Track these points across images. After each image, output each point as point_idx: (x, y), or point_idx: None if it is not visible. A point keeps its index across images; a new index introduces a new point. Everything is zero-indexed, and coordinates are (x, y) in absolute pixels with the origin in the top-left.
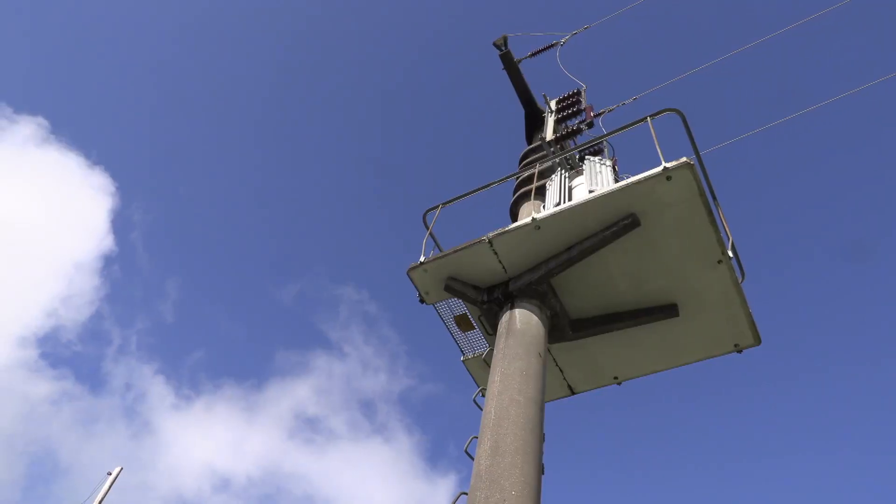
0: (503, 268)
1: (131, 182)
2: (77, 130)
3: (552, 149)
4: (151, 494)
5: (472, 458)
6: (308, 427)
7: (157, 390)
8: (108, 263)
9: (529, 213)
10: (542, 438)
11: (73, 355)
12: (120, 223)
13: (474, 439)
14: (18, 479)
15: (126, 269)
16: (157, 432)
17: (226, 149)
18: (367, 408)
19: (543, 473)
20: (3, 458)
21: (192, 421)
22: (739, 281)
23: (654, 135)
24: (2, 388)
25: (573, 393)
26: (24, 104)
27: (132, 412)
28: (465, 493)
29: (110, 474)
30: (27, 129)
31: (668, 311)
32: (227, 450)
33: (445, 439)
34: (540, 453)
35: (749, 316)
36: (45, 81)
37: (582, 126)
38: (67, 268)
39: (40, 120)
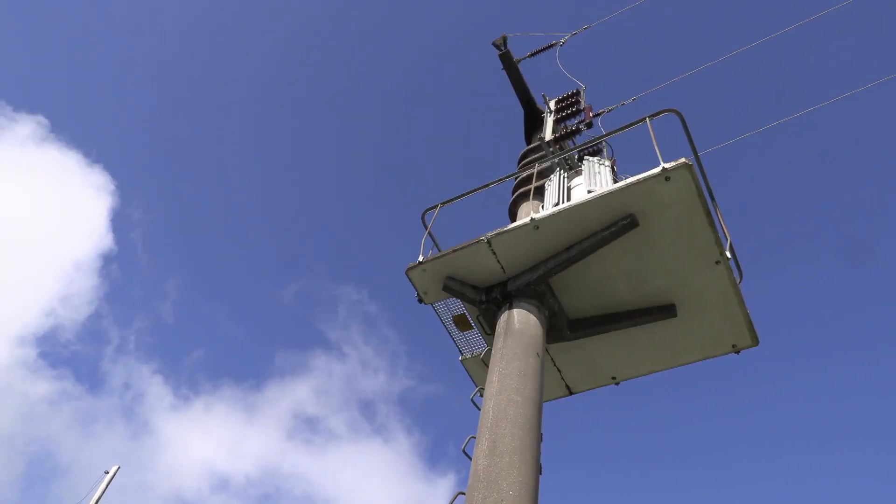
0: (501, 268)
1: (131, 181)
2: (76, 129)
3: (551, 149)
4: (150, 494)
5: (470, 458)
6: (307, 427)
7: (156, 390)
8: (108, 263)
9: (528, 214)
10: (539, 438)
11: (71, 355)
12: (119, 222)
13: (472, 439)
14: (17, 479)
15: (125, 269)
16: (155, 432)
17: (226, 148)
18: (367, 408)
19: (541, 473)
20: (3, 458)
21: (191, 421)
22: (737, 281)
23: (652, 135)
24: (1, 387)
25: (571, 393)
26: (23, 102)
27: (131, 412)
28: (463, 493)
29: (107, 473)
30: (26, 127)
31: (666, 311)
32: (226, 450)
33: (445, 439)
34: (538, 453)
35: (747, 316)
36: (44, 79)
37: (581, 126)
38: (66, 267)
39: (40, 118)
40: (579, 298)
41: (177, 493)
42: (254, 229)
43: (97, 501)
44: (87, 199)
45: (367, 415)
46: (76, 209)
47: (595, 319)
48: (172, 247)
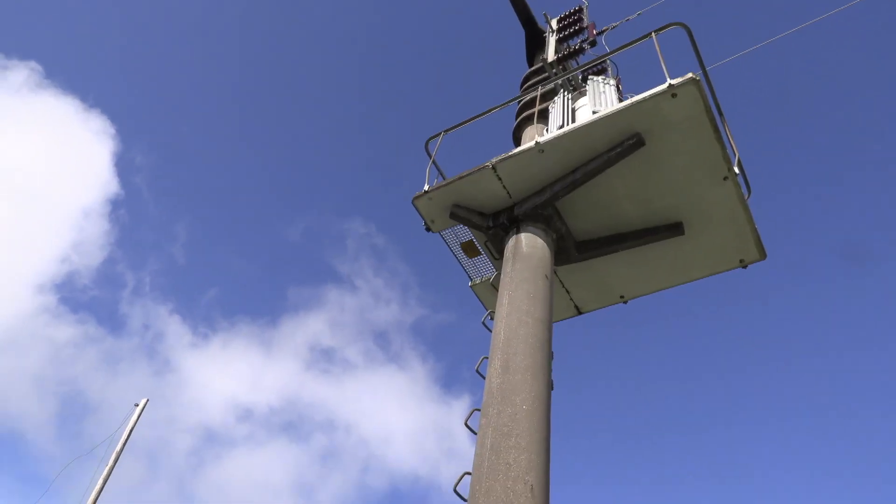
0: (508, 193)
1: (130, 124)
2: (71, 73)
3: (554, 70)
4: (179, 427)
5: (484, 378)
6: (324, 358)
7: (175, 329)
8: (115, 208)
9: (533, 137)
10: (550, 356)
11: (90, 300)
12: (123, 166)
13: (485, 359)
14: (52, 418)
15: (133, 213)
16: (178, 369)
17: (224, 85)
18: (381, 338)
19: (553, 389)
20: (36, 399)
21: (211, 357)
22: (746, 197)
23: (658, 51)
24: (27, 333)
25: (580, 313)
26: (14, 48)
27: (152, 351)
28: (479, 410)
29: (137, 406)
30: (20, 74)
31: (673, 229)
32: (248, 383)
33: (458, 364)
34: (549, 370)
35: (755, 231)
36: (35, 23)
37: (584, 45)
38: (75, 214)
39: (33, 64)
40: (586, 220)
41: (204, 425)
42: (257, 167)
43: (130, 432)
44: (88, 145)
45: (382, 344)
46: (78, 155)
47: (602, 240)
48: (177, 189)
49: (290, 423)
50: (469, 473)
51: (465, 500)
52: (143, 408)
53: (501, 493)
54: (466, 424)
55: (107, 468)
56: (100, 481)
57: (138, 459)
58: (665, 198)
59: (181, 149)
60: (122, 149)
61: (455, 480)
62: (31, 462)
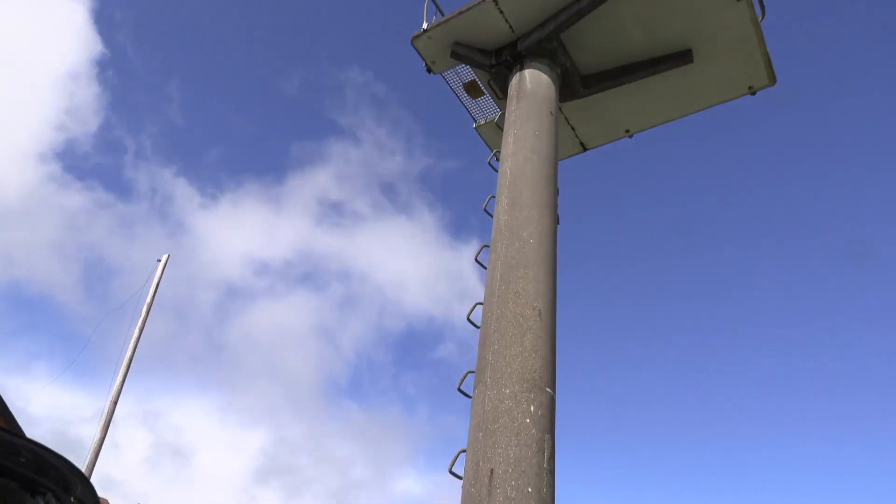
0: (510, 27)
1: None
2: None
3: None
4: (200, 284)
5: (492, 216)
6: (334, 212)
7: (182, 192)
8: (103, 69)
9: None
10: (556, 193)
11: (94, 166)
12: (103, 24)
13: (492, 198)
14: (79, 282)
15: (121, 74)
16: (191, 230)
17: None
18: (388, 189)
19: (559, 223)
20: (60, 266)
21: (222, 217)
22: (759, 19)
23: None
24: (38, 203)
25: (585, 149)
26: None
27: (164, 214)
28: (487, 246)
29: (160, 261)
30: None
31: (682, 57)
32: (261, 239)
33: (466, 210)
34: (555, 206)
35: (766, 55)
36: None
37: None
38: (63, 78)
39: None
40: (592, 52)
41: (225, 281)
42: (244, 18)
43: (157, 286)
44: (62, 3)
45: (390, 195)
46: (54, 15)
47: (609, 73)
48: (164, 45)
49: (307, 275)
50: (481, 304)
51: (477, 326)
52: (166, 263)
53: (512, 318)
54: (476, 260)
55: (140, 319)
56: (135, 332)
57: (166, 316)
58: (674, 23)
59: (161, 1)
60: (99, 5)
61: (468, 310)
62: (65, 322)
